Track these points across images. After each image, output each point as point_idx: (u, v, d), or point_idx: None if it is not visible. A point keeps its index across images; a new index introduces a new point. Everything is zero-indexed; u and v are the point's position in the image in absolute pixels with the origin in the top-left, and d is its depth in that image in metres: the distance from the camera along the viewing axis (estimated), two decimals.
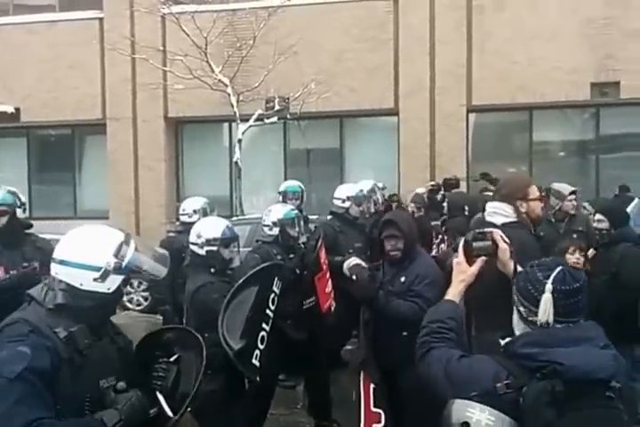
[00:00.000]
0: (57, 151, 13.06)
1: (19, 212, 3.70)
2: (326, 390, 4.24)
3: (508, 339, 1.64)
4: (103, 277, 1.76)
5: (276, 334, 3.59)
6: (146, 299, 7.84)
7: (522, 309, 1.58)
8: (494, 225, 2.51)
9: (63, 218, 11.48)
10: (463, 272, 1.95)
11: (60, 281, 1.77)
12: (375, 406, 3.15)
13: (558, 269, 1.55)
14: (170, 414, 1.78)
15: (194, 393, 1.84)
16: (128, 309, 8.02)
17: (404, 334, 2.91)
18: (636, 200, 4.18)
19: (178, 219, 4.95)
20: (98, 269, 1.76)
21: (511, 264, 2.12)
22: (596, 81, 10.25)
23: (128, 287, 8.10)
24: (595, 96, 10.34)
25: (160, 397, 1.79)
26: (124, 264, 1.80)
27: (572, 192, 4.75)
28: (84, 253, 1.78)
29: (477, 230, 2.12)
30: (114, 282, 1.79)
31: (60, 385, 1.63)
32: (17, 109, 12.26)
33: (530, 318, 1.56)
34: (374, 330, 3.23)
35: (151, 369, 1.84)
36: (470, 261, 1.99)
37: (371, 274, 3.42)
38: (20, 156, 13.04)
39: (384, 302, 3.09)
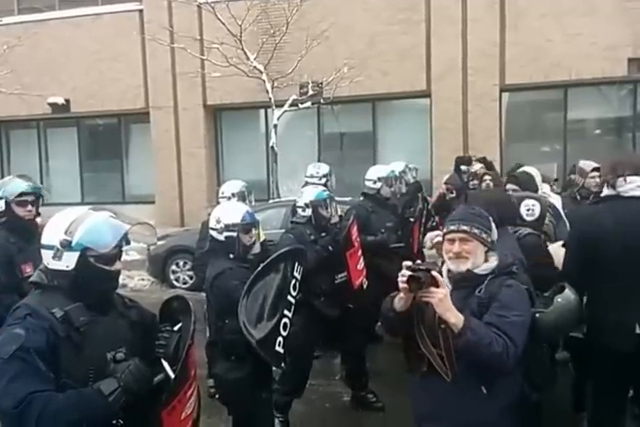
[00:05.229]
0: (105, 140, 13.50)
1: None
2: (362, 362, 4.36)
3: (485, 269, 2.20)
4: (58, 255, 1.81)
5: (311, 311, 3.78)
6: (191, 277, 8.18)
7: (484, 236, 2.22)
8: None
9: (113, 203, 11.99)
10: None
11: (42, 263, 1.90)
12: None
13: (487, 208, 2.41)
14: (172, 376, 1.86)
15: (184, 356, 1.91)
16: (175, 287, 8.46)
17: None
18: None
19: (218, 202, 5.23)
20: (51, 247, 1.82)
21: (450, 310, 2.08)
22: (633, 56, 9.94)
23: (174, 266, 8.67)
24: (632, 72, 10.04)
25: (164, 363, 1.86)
26: (73, 241, 1.80)
27: (595, 169, 4.53)
28: (45, 234, 1.87)
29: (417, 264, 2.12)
30: (69, 259, 1.81)
31: (63, 361, 1.73)
32: (67, 100, 12.72)
33: (490, 239, 2.25)
34: None
35: (155, 338, 1.93)
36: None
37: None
38: (71, 145, 13.52)
39: None
